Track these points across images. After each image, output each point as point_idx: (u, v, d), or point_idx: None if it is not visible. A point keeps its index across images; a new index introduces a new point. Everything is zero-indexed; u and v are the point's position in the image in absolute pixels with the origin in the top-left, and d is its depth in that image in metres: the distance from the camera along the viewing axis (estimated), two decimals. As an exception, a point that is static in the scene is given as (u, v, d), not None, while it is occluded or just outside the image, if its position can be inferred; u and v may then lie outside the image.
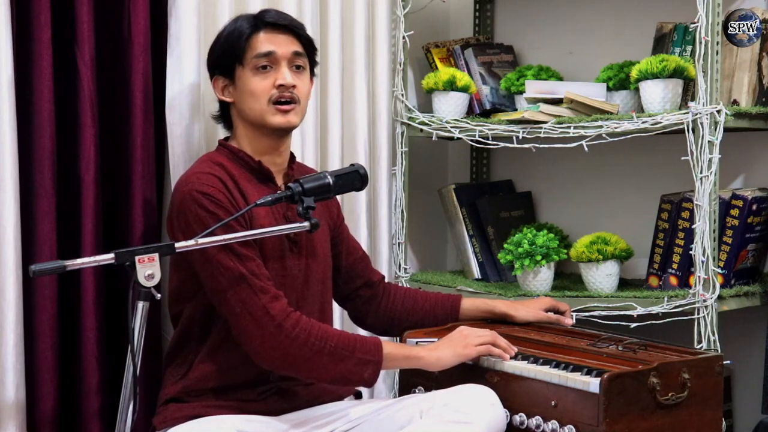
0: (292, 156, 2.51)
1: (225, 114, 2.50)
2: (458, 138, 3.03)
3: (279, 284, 2.33)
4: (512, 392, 2.29)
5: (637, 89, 2.84)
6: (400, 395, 2.57)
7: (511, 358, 2.34)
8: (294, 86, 2.39)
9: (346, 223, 2.68)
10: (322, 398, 2.44)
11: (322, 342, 2.25)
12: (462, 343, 2.34)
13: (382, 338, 2.36)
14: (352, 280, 2.62)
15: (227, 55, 2.40)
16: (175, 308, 2.42)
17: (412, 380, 2.52)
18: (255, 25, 2.40)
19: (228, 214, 2.26)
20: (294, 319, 2.25)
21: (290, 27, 2.42)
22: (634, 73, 2.81)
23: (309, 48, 2.46)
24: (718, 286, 2.67)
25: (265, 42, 2.38)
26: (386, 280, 2.72)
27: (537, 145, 2.88)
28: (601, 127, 2.77)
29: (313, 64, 2.49)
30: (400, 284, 3.07)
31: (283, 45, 2.39)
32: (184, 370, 2.36)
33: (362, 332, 2.93)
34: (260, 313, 2.24)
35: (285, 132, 2.43)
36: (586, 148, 2.79)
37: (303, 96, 2.43)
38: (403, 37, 3.12)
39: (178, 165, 2.64)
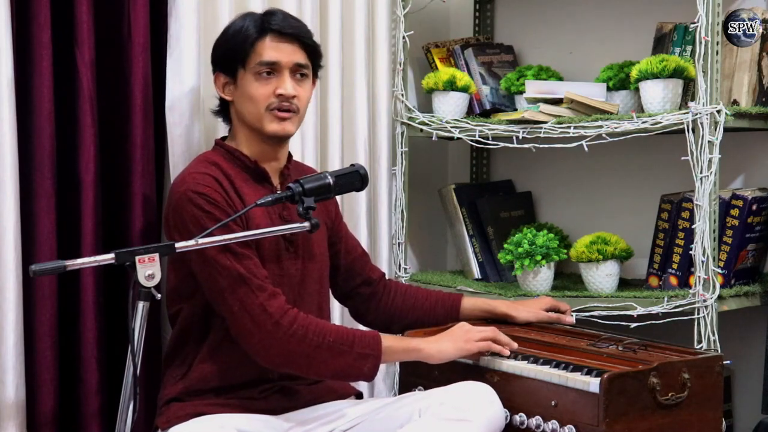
0: (289, 155, 2.51)
1: (224, 110, 2.50)
2: (458, 138, 3.03)
3: (276, 285, 2.33)
4: (512, 392, 2.29)
5: (637, 89, 2.84)
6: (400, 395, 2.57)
7: (511, 357, 2.34)
8: (294, 96, 2.39)
9: (346, 222, 2.68)
10: (324, 398, 2.44)
11: (321, 337, 2.25)
12: (464, 338, 2.35)
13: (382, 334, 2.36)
14: (352, 279, 2.63)
15: (230, 55, 2.40)
16: (173, 307, 2.42)
17: (412, 380, 2.52)
18: (261, 30, 2.37)
19: (224, 213, 2.27)
20: (291, 316, 2.25)
21: (296, 35, 2.41)
22: (634, 73, 2.81)
23: (313, 56, 2.45)
24: (718, 286, 2.67)
25: (270, 49, 2.37)
26: (387, 278, 2.72)
27: (537, 145, 2.88)
28: (601, 127, 2.77)
29: (316, 68, 2.49)
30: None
31: (287, 54, 2.38)
32: (184, 371, 2.37)
33: (363, 328, 2.94)
34: (258, 311, 2.24)
35: (281, 139, 2.43)
36: (586, 148, 2.79)
37: (303, 105, 2.43)
38: (403, 37, 3.12)
39: (177, 165, 2.64)
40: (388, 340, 2.31)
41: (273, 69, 2.38)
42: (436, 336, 2.37)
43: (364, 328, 2.63)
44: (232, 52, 2.39)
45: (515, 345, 2.36)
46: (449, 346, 2.33)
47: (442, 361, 2.35)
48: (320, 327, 2.27)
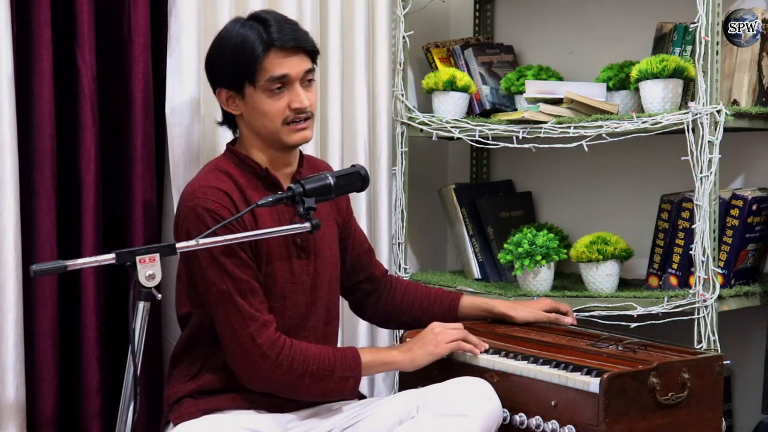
0: (301, 155, 2.50)
1: (228, 119, 2.47)
2: (458, 138, 3.03)
3: (288, 292, 2.36)
4: (512, 392, 2.29)
5: (637, 89, 2.84)
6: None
7: (511, 357, 2.35)
8: (309, 105, 2.39)
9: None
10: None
11: (304, 366, 2.29)
12: (433, 342, 2.40)
13: (360, 347, 2.42)
14: (355, 274, 2.63)
15: (236, 72, 2.35)
16: (183, 309, 2.42)
17: (412, 380, 2.52)
18: (264, 46, 2.33)
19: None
20: (279, 347, 2.28)
21: (300, 47, 2.37)
22: (634, 73, 2.81)
23: (316, 57, 2.43)
24: (718, 286, 2.67)
25: (278, 65, 2.34)
26: (388, 274, 2.72)
27: (537, 145, 2.88)
28: (601, 127, 2.77)
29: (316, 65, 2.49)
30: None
31: (295, 66, 2.36)
32: (194, 371, 2.38)
33: (361, 322, 2.96)
34: (246, 341, 2.27)
35: (299, 145, 2.44)
36: (586, 148, 2.79)
37: (315, 109, 2.43)
38: (403, 37, 3.12)
39: (178, 165, 2.64)
40: (365, 356, 2.36)
41: (283, 83, 2.36)
42: (408, 344, 2.42)
43: (364, 324, 2.62)
44: (237, 70, 2.35)
45: (485, 345, 2.41)
46: (421, 353, 2.39)
47: (417, 369, 2.40)
48: (304, 355, 2.30)
